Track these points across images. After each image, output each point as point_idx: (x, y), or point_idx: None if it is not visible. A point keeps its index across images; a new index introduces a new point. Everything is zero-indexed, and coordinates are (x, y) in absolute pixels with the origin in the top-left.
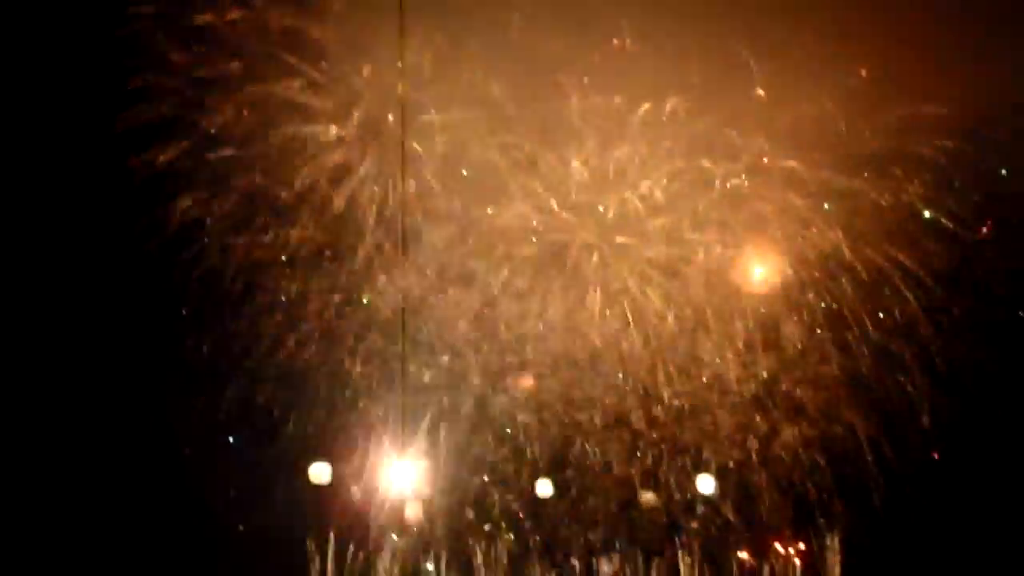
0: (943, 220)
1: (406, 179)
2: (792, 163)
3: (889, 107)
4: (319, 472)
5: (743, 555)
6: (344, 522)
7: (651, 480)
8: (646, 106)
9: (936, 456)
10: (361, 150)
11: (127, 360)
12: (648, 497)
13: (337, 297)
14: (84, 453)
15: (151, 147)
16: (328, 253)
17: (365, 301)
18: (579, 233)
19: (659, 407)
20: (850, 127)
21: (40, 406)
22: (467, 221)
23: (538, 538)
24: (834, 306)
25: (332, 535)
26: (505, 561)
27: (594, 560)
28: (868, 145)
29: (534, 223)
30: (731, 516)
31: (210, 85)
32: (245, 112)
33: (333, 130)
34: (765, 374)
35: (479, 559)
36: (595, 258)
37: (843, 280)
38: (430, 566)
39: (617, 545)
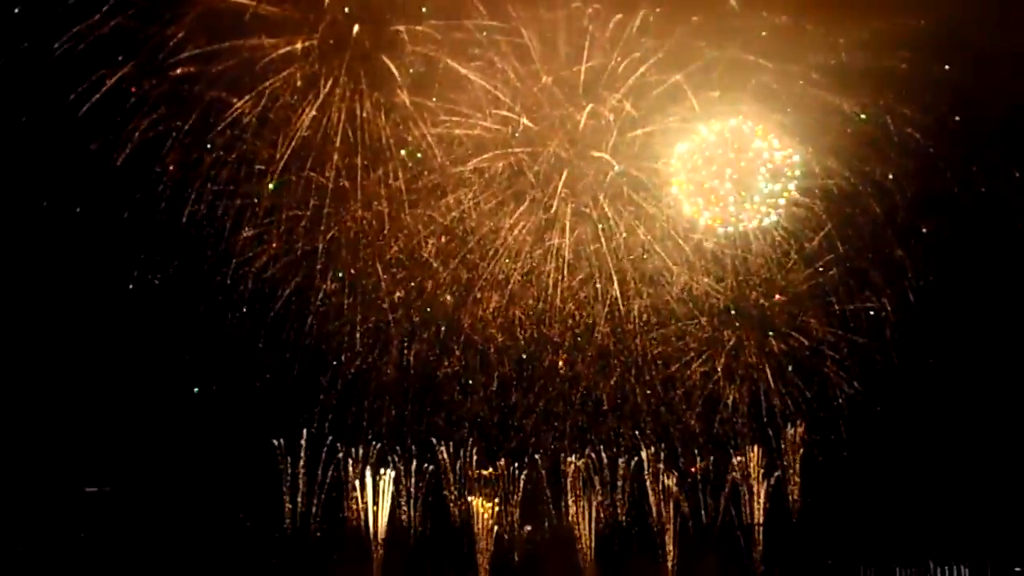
0: (912, 134)
1: (375, 93)
2: (764, 76)
3: (862, 20)
4: None
5: (701, 464)
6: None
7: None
8: (618, 17)
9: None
10: (328, 63)
11: (94, 281)
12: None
13: (306, 214)
14: (61, 373)
15: (105, 63)
16: (294, 169)
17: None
18: (550, 147)
19: (628, 320)
20: (823, 39)
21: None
22: (436, 135)
23: (507, 443)
24: (802, 220)
25: (304, 439)
26: (474, 462)
27: (561, 460)
28: (840, 58)
29: (505, 136)
30: (695, 426)
31: None
32: (204, 25)
33: (298, 43)
34: (733, 288)
35: (447, 465)
36: (565, 172)
37: (813, 193)
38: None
39: (586, 450)
